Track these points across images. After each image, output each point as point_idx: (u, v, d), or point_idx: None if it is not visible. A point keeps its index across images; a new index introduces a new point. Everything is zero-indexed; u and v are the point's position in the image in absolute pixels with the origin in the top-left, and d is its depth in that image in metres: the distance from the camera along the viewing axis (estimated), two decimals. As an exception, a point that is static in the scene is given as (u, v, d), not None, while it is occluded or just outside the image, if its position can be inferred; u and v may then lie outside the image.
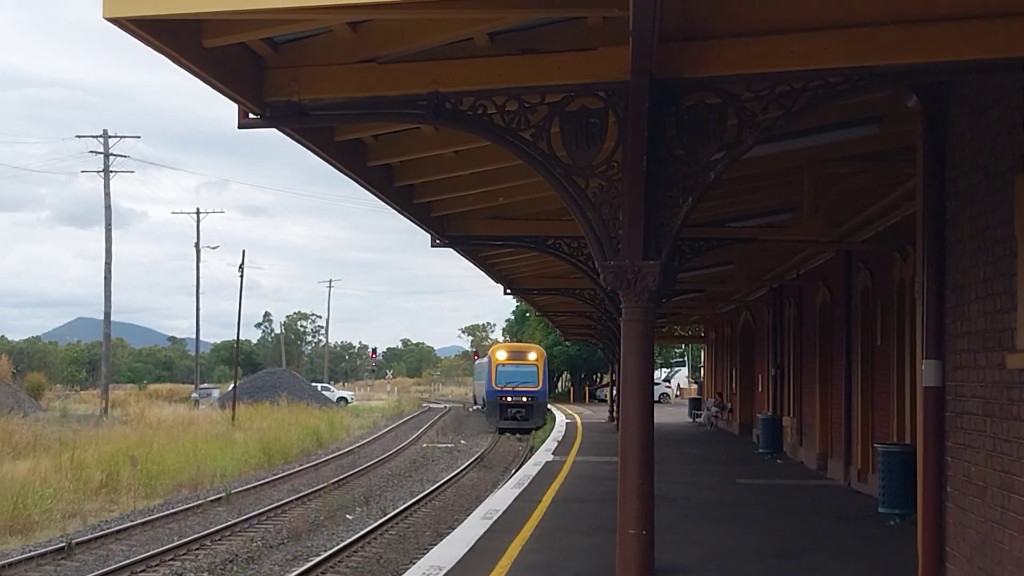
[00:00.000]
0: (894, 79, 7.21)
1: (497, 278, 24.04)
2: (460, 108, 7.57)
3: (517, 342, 72.91)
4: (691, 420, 47.01)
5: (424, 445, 44.02)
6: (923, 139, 10.01)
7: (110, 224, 60.55)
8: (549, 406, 59.38)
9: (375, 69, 7.64)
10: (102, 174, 61.32)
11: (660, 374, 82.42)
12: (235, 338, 61.40)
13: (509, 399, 51.32)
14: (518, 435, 48.05)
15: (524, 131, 7.43)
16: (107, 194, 61.05)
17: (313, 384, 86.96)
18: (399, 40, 7.45)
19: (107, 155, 61.34)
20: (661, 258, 7.05)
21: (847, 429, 19.86)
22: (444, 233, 15.73)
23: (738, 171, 12.14)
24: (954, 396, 9.46)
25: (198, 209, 78.55)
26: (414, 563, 13.20)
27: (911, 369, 15.27)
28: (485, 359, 58.03)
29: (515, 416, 50.58)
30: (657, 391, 68.93)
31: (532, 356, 54.18)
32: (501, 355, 54.49)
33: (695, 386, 68.79)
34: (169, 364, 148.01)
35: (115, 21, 5.80)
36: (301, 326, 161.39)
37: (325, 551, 18.48)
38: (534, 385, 52.23)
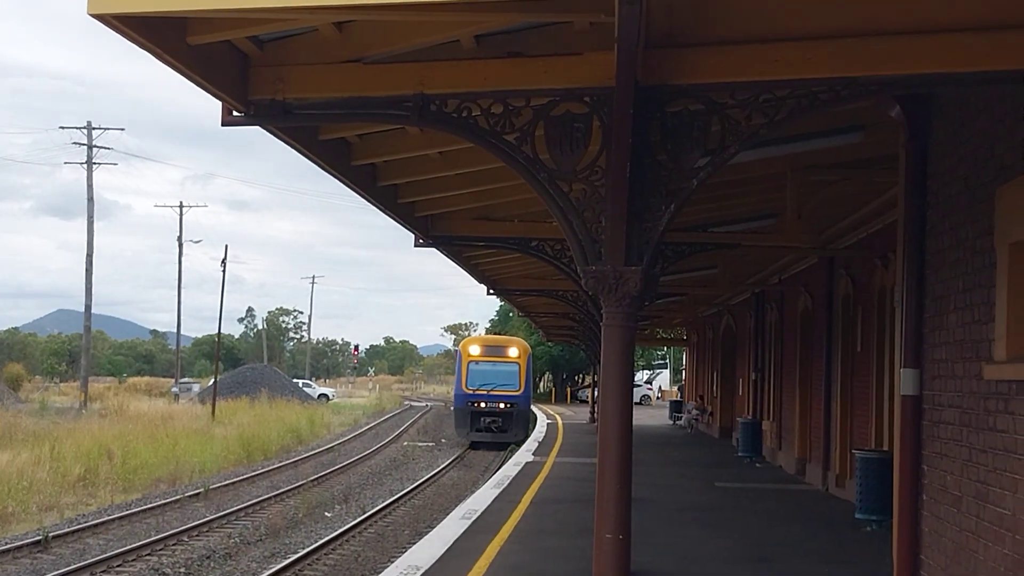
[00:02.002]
0: (877, 90, 7.23)
1: (480, 278, 24.03)
2: (445, 110, 7.57)
3: (495, 334, 56.26)
4: (672, 422, 47.13)
5: (405, 443, 44.01)
6: (905, 149, 10.06)
7: (92, 216, 60.35)
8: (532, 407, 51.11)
9: (360, 69, 7.63)
10: (85, 166, 61.09)
11: (642, 376, 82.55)
12: (217, 333, 61.19)
13: (483, 405, 41.20)
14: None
15: (508, 134, 7.44)
16: (90, 186, 60.83)
17: (295, 380, 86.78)
18: (385, 41, 7.45)
19: (90, 147, 61.13)
20: (643, 264, 7.07)
21: (826, 434, 19.94)
22: (428, 233, 15.71)
23: (722, 176, 12.16)
24: (931, 405, 9.51)
25: (181, 203, 78.77)
26: (392, 562, 13.20)
27: (890, 376, 15.35)
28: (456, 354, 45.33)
29: (490, 427, 41.01)
30: (638, 393, 68.82)
31: (513, 352, 43.51)
32: (474, 350, 43.56)
33: (676, 388, 68.81)
34: (150, 358, 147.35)
35: (99, 17, 5.78)
36: (283, 322, 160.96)
37: (303, 548, 18.47)
38: (515, 388, 41.84)
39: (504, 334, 78.97)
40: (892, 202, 13.03)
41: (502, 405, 41.27)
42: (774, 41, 7.06)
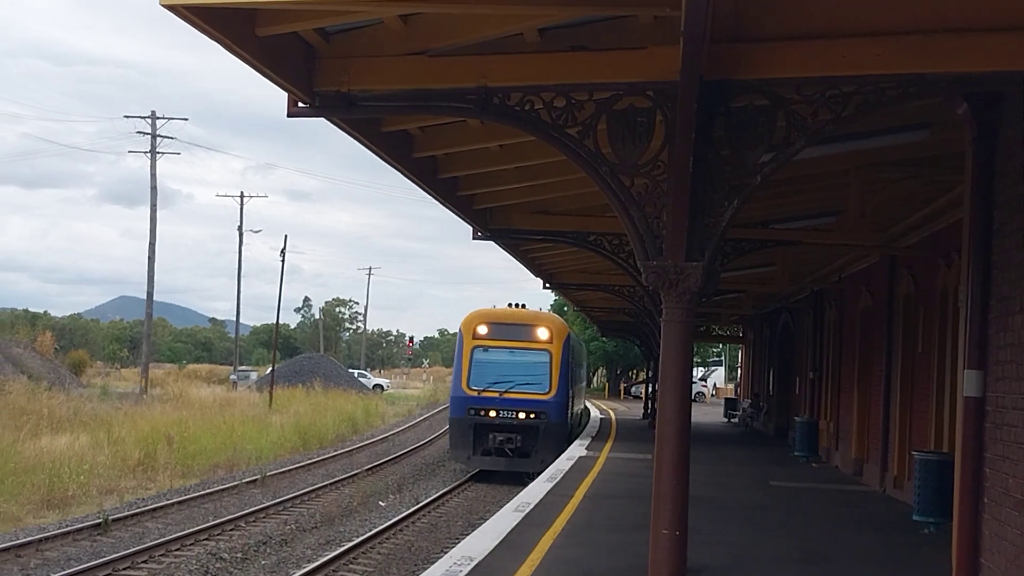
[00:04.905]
0: (946, 87, 7.15)
1: (537, 272, 24.07)
2: (508, 103, 7.59)
3: (515, 307, 32.51)
4: (726, 420, 46.84)
5: (458, 435, 44.04)
6: (972, 147, 9.90)
7: (155, 205, 61.16)
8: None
9: (424, 62, 7.69)
10: (149, 155, 61.96)
11: (697, 373, 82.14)
12: (274, 322, 61.90)
13: (493, 415, 27.50)
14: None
15: (571, 128, 7.44)
16: (153, 175, 61.66)
17: (350, 370, 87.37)
18: (449, 33, 7.49)
19: (154, 136, 61.95)
20: (704, 259, 7.05)
21: (884, 435, 19.71)
22: (486, 226, 15.77)
23: (784, 173, 12.08)
24: (994, 407, 9.37)
25: (242, 193, 79.43)
26: (445, 552, 13.28)
27: (951, 377, 15.14)
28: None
29: (503, 448, 27.32)
30: (693, 390, 68.05)
31: (542, 333, 28.66)
32: (483, 329, 28.70)
33: (732, 386, 68.32)
34: (208, 345, 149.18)
35: (172, 8, 5.89)
36: (340, 312, 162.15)
37: (357, 536, 18.61)
38: (542, 389, 27.91)
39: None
40: (957, 201, 12.84)
41: (522, 415, 27.58)
42: (841, 36, 6.99)
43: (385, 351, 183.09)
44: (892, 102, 7.05)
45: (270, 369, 60.45)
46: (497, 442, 27.24)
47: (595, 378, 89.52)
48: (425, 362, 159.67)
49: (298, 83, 7.64)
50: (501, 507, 16.16)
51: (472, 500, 24.35)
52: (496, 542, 12.52)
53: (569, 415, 29.90)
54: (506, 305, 31.39)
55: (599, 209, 15.00)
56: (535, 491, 17.65)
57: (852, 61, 6.93)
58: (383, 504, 23.70)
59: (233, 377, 73.84)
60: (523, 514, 14.86)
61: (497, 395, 27.59)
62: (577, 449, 26.53)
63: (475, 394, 27.67)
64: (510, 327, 28.83)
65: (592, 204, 14.98)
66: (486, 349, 28.35)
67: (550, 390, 27.93)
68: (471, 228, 16.06)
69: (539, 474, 21.09)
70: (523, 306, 31.22)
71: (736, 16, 7.06)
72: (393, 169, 11.14)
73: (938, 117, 11.10)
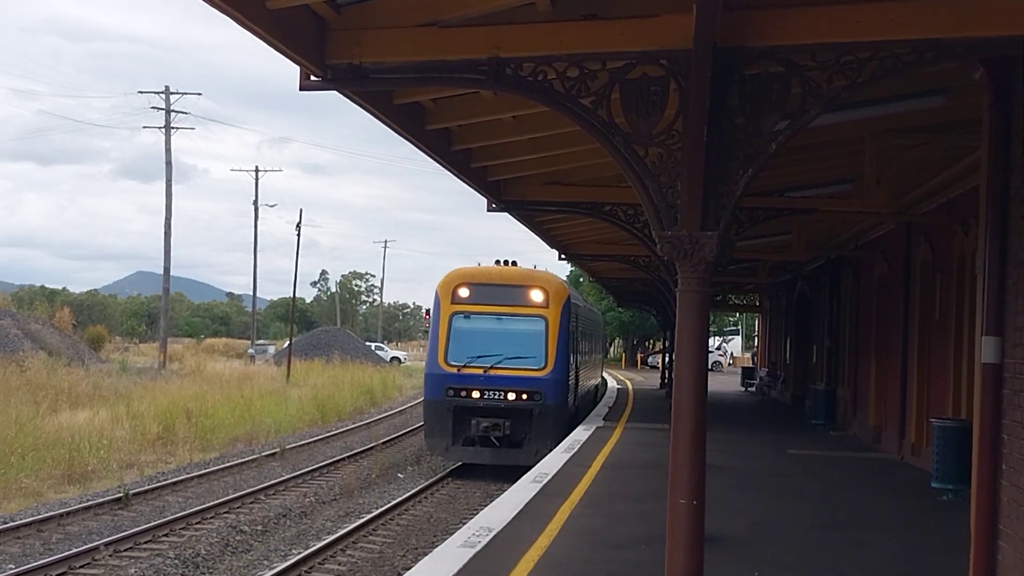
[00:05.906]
0: (962, 52, 7.07)
1: (552, 243, 23.99)
2: (520, 74, 7.54)
3: (504, 264, 26.27)
4: (743, 389, 46.82)
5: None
6: (989, 112, 9.80)
7: (170, 180, 61.26)
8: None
9: (436, 33, 7.64)
10: (164, 130, 62.02)
11: (714, 342, 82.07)
12: (291, 296, 62.09)
13: (475, 396, 23.06)
14: None
15: (584, 98, 7.39)
16: (168, 150, 61.74)
17: (367, 343, 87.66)
18: (461, 3, 7.45)
19: (168, 111, 62.00)
20: (719, 228, 7.00)
21: (902, 402, 19.69)
22: (500, 197, 15.75)
23: (799, 140, 11.97)
24: (1012, 374, 9.32)
25: (257, 167, 79.56)
26: (464, 523, 13.35)
27: (969, 344, 15.09)
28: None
29: (487, 435, 23.01)
30: (710, 359, 67.87)
31: (536, 295, 23.93)
32: (463, 292, 23.91)
33: (749, 355, 68.23)
34: (226, 319, 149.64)
35: (182, -17, 5.86)
36: (356, 285, 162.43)
37: (376, 508, 18.74)
38: (536, 364, 23.27)
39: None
40: (974, 167, 12.75)
41: (512, 396, 23.07)
42: (857, 1, 6.92)
43: (402, 324, 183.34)
44: (908, 67, 6.98)
45: (287, 343, 60.70)
46: (481, 429, 22.88)
47: (612, 348, 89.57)
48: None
49: (310, 56, 7.62)
50: (519, 478, 16.23)
51: (490, 472, 24.42)
52: (514, 512, 12.59)
53: (571, 395, 25.19)
54: (493, 263, 26.27)
55: (613, 179, 14.95)
56: (553, 462, 17.71)
57: (867, 26, 6.85)
58: (402, 476, 23.82)
59: (251, 351, 74.20)
60: (541, 485, 14.92)
61: (481, 372, 23.08)
62: (594, 420, 26.59)
63: (454, 371, 23.13)
64: (497, 289, 23.97)
65: (606, 174, 14.93)
66: (467, 316, 23.68)
67: (546, 365, 23.32)
68: (486, 200, 16.04)
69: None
70: (514, 264, 26.29)
71: (750, -18, 7.00)
72: (407, 142, 11.14)
73: (955, 82, 11.00)
